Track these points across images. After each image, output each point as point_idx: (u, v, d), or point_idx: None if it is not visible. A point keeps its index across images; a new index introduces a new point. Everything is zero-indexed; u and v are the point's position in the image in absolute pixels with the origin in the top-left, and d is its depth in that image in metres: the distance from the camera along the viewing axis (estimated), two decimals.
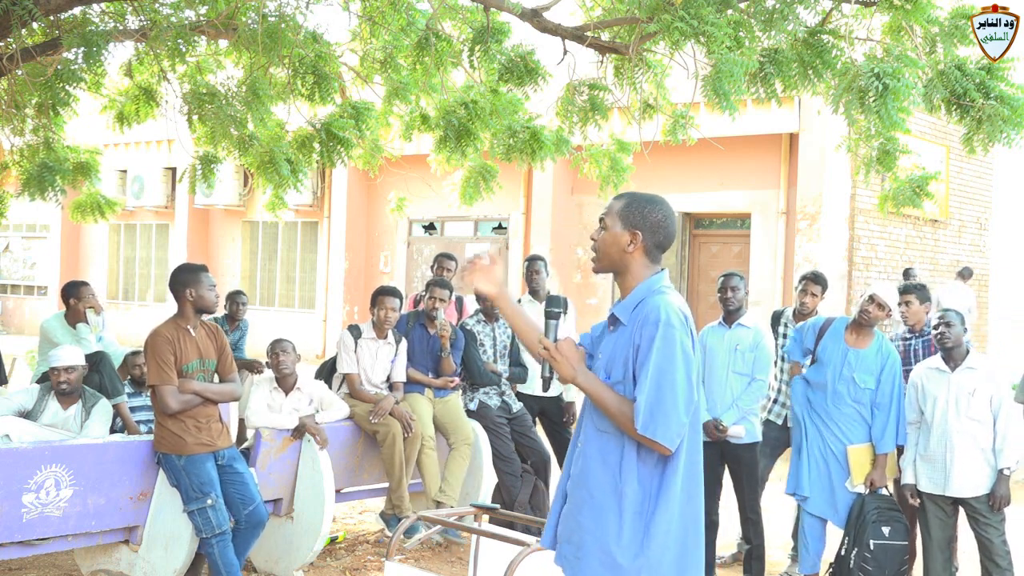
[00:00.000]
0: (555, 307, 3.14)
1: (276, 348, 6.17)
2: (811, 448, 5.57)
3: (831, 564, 5.59)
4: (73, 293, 6.75)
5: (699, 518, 2.98)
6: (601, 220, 3.09)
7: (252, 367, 7.88)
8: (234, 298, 8.35)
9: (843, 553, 5.42)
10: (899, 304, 5.91)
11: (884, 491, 5.47)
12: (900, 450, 5.62)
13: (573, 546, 2.99)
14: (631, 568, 2.87)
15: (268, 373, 6.28)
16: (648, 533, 2.88)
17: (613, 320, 3.06)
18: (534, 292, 7.22)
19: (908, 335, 6.27)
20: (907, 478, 5.51)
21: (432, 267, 7.73)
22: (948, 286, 13.13)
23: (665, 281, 3.05)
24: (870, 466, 5.46)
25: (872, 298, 5.57)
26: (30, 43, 6.61)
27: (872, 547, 5.30)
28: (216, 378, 5.36)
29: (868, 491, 5.43)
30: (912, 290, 6.23)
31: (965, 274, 13.31)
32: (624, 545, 2.88)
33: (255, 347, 17.08)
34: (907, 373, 5.79)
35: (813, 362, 5.67)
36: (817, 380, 5.60)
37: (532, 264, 7.25)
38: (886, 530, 5.30)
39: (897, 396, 5.46)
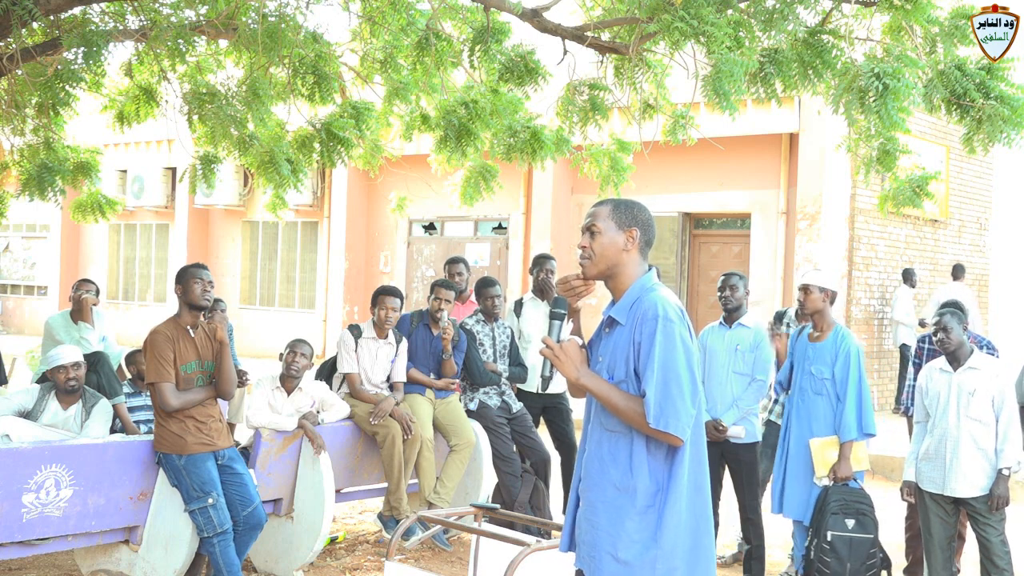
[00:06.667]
0: (560, 308, 3.16)
1: (295, 348, 6.13)
2: (789, 452, 5.64)
3: (803, 557, 5.63)
4: (75, 287, 7.01)
5: (708, 508, 3.05)
6: (590, 227, 3.12)
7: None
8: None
9: (806, 545, 5.47)
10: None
11: (855, 484, 5.45)
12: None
13: (588, 546, 3.04)
14: (646, 560, 2.93)
15: (271, 372, 6.28)
16: (660, 525, 2.94)
17: (610, 322, 3.11)
18: (541, 292, 7.16)
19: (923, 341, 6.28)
20: (907, 475, 5.52)
21: (445, 271, 7.64)
22: (947, 288, 13.08)
23: (655, 279, 3.11)
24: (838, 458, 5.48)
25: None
26: (30, 43, 6.60)
27: (829, 538, 5.30)
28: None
29: (831, 482, 5.44)
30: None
31: (958, 273, 13.23)
32: (637, 539, 2.94)
33: (253, 347, 17.11)
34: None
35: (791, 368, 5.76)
36: (793, 381, 5.73)
37: (546, 264, 7.15)
38: (850, 523, 5.28)
39: (855, 385, 5.44)
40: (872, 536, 5.35)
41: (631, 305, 3.04)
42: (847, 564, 5.29)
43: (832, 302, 5.67)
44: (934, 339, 5.44)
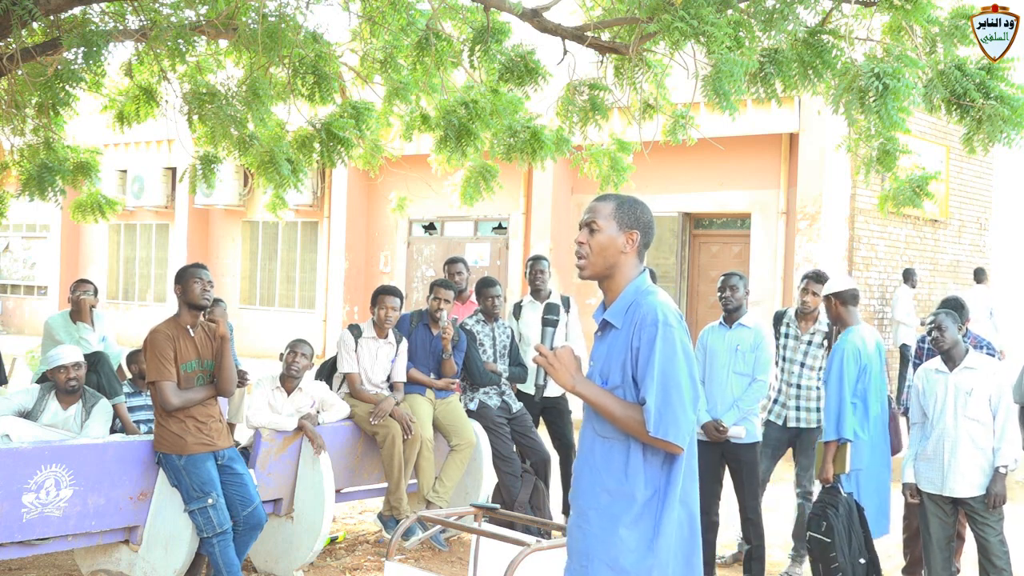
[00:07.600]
0: (552, 315, 3.10)
1: (295, 348, 6.15)
2: None
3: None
4: (73, 288, 7.02)
5: (697, 510, 3.00)
6: (590, 224, 3.01)
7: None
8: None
9: None
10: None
11: (841, 485, 5.42)
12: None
13: (582, 556, 2.96)
14: (642, 569, 2.88)
15: (271, 372, 6.28)
16: (657, 531, 2.88)
17: (603, 325, 3.03)
18: (536, 292, 7.22)
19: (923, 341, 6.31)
20: (907, 477, 5.52)
21: (445, 271, 7.66)
22: (971, 291, 13.00)
23: (649, 281, 3.04)
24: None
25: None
26: (30, 43, 6.60)
27: (808, 538, 5.38)
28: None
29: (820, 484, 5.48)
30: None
31: (980, 276, 13.16)
32: (633, 548, 2.88)
33: (253, 347, 17.10)
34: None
35: None
36: None
37: (536, 264, 7.23)
38: (823, 525, 5.31)
39: (835, 385, 5.42)
40: (829, 541, 5.29)
41: (627, 308, 2.96)
42: (819, 564, 5.32)
43: (846, 303, 5.59)
44: (928, 338, 5.44)
